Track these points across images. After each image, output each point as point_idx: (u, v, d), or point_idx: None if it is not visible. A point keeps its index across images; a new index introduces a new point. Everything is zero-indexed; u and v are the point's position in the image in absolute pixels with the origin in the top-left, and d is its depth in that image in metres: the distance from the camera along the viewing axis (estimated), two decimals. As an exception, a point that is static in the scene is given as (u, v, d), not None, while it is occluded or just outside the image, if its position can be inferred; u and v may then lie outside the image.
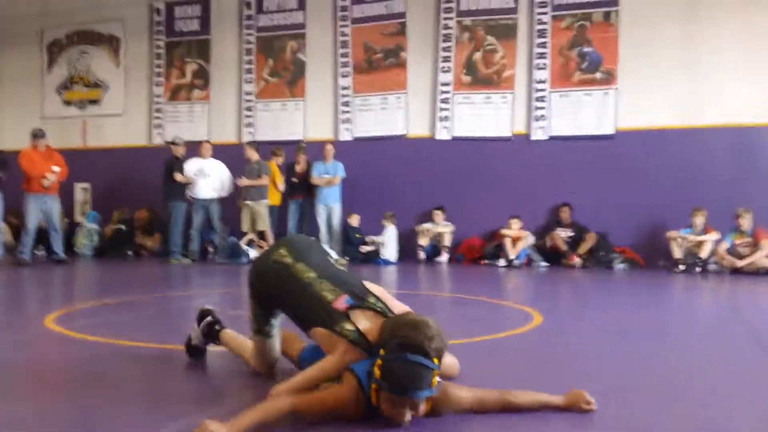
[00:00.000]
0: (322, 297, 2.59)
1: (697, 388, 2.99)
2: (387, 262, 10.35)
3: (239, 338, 3.24)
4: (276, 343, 2.95)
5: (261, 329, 2.88)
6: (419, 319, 2.38)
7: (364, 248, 10.71)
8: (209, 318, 3.35)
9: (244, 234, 10.69)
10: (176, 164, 10.67)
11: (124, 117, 12.98)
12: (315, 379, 2.48)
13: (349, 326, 2.48)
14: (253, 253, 10.27)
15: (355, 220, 10.99)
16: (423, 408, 2.26)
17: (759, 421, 2.48)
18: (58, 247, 10.02)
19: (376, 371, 2.22)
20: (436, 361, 2.25)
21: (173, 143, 10.90)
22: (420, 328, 2.31)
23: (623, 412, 2.54)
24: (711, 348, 4.06)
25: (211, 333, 3.31)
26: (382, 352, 2.26)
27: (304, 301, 2.64)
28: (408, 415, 2.23)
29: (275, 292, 2.75)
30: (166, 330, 4.35)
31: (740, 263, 9.09)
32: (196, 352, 3.36)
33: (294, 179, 11.07)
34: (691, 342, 4.29)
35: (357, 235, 10.84)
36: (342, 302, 2.55)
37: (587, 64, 10.68)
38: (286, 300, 2.73)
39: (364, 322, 2.49)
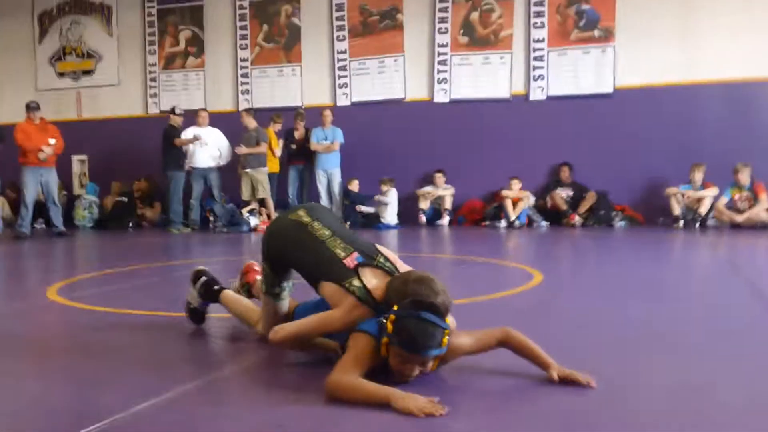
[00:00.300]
0: (335, 254, 2.61)
1: (696, 341, 3.00)
2: (388, 227, 10.35)
3: (241, 300, 3.23)
4: (284, 307, 2.94)
5: (271, 291, 2.87)
6: (424, 275, 2.43)
7: (364, 208, 10.68)
8: (204, 278, 3.31)
9: (246, 203, 10.69)
10: (174, 133, 10.60)
11: (119, 87, 12.87)
12: (316, 327, 2.55)
13: (357, 283, 2.50)
14: (254, 222, 10.26)
15: (354, 186, 10.97)
16: (431, 365, 2.29)
17: (757, 372, 2.49)
18: (57, 220, 10.00)
19: (389, 326, 2.23)
20: (447, 320, 2.29)
21: (173, 112, 10.81)
22: (427, 283, 2.38)
23: (620, 367, 2.55)
24: (710, 302, 4.08)
25: (210, 293, 3.28)
26: (395, 307, 2.28)
27: (317, 256, 2.65)
28: (416, 371, 2.26)
29: (289, 248, 2.75)
30: (167, 298, 4.35)
31: (739, 218, 9.09)
32: (197, 316, 3.35)
33: (293, 145, 11.04)
34: (690, 296, 4.31)
35: (353, 200, 10.83)
36: (352, 259, 2.58)
37: (585, 21, 10.56)
38: (299, 255, 2.72)
39: (372, 280, 2.51)
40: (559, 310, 3.79)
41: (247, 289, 3.45)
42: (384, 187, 10.62)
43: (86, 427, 1.96)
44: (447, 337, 2.25)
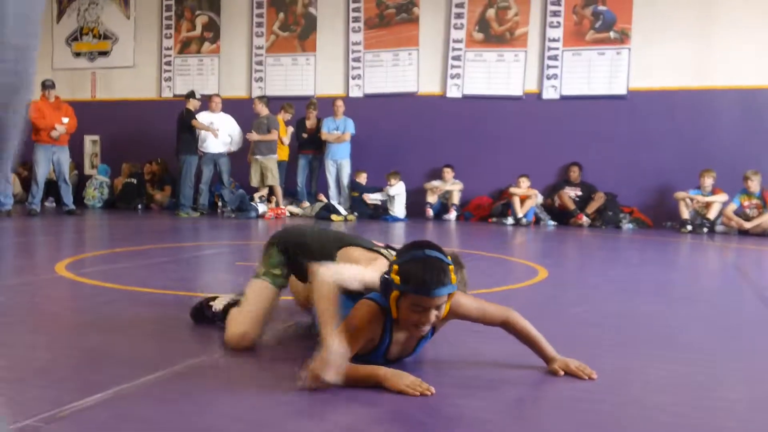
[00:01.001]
0: (364, 238, 2.73)
1: (699, 340, 3.02)
2: (395, 219, 10.38)
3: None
4: (276, 302, 2.73)
5: (271, 272, 2.69)
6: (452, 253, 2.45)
7: (372, 196, 10.71)
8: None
9: (255, 189, 10.73)
10: (189, 117, 10.62)
11: (134, 69, 12.94)
12: (357, 274, 2.37)
13: (386, 252, 2.54)
14: (263, 208, 10.30)
15: (362, 178, 11.00)
16: (444, 309, 2.19)
17: (760, 371, 2.51)
18: (68, 198, 10.08)
19: (395, 277, 2.12)
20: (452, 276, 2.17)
21: (191, 96, 10.79)
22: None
23: (621, 361, 2.57)
24: (714, 303, 4.08)
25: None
26: (394, 259, 2.22)
27: (343, 236, 2.74)
28: (432, 317, 2.15)
29: (312, 237, 2.74)
30: (175, 278, 4.40)
31: (747, 225, 9.08)
32: (203, 316, 3.02)
33: (304, 134, 11.08)
34: (694, 297, 4.32)
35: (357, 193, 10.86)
36: (383, 244, 2.65)
37: (601, 23, 10.56)
38: (322, 236, 2.76)
39: None
40: (562, 305, 3.81)
41: None
42: (393, 180, 10.64)
43: (91, 396, 1.99)
44: (453, 274, 2.16)
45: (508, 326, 2.40)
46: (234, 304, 2.87)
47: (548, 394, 2.20)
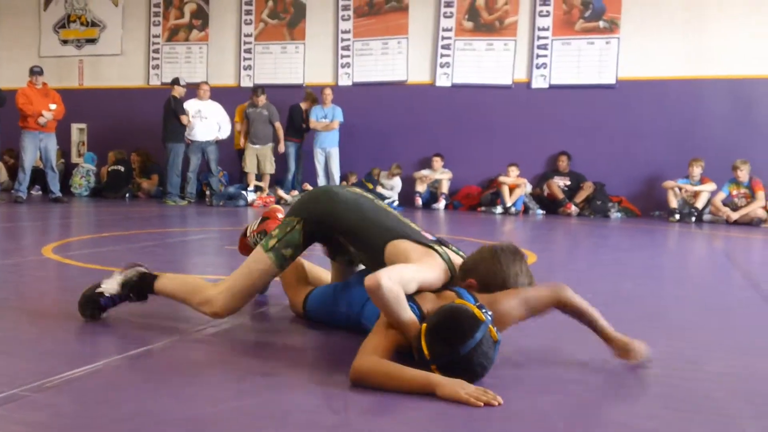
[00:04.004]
0: (411, 225, 2.42)
1: (688, 318, 3.03)
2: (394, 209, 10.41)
3: (183, 278, 2.71)
4: (272, 278, 2.54)
5: (281, 251, 2.40)
6: (515, 247, 2.33)
7: (385, 191, 10.79)
8: (141, 268, 2.69)
9: (243, 174, 10.75)
10: (175, 105, 10.53)
11: (122, 57, 12.83)
12: (417, 271, 2.15)
13: (439, 248, 2.30)
14: (252, 197, 10.26)
15: (382, 176, 10.95)
16: None
17: (744, 345, 2.52)
18: (54, 186, 10.00)
19: (437, 372, 1.87)
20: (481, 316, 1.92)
21: (176, 83, 10.71)
22: (518, 257, 2.31)
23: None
24: (702, 286, 4.11)
25: (145, 283, 2.63)
26: (426, 350, 1.90)
27: (390, 221, 2.39)
28: None
29: (352, 209, 2.41)
30: (161, 260, 4.37)
31: (734, 215, 9.10)
32: (94, 306, 2.63)
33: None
34: (683, 280, 4.34)
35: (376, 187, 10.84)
36: (430, 234, 2.41)
37: (590, 12, 10.55)
38: (366, 217, 2.39)
39: (454, 257, 2.34)
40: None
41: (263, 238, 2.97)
42: (394, 171, 10.75)
43: (80, 368, 1.98)
44: (495, 332, 1.92)
45: (561, 306, 2.19)
46: (138, 277, 2.62)
47: (544, 374, 2.20)
